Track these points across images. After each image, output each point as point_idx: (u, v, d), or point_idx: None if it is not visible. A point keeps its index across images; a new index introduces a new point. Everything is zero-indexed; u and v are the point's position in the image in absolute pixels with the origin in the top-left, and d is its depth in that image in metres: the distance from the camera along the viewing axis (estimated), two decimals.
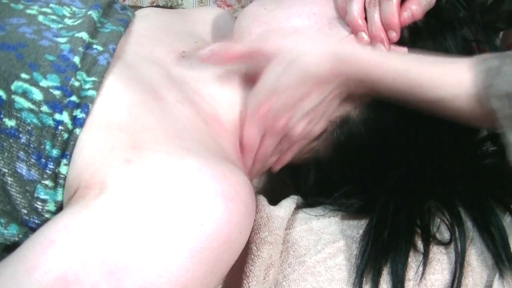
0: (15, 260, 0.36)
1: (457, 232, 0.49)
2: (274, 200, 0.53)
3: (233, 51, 0.50)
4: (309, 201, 0.56)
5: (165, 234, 0.37)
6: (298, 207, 0.54)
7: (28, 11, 0.48)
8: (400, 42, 0.51)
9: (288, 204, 0.52)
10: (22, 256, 0.36)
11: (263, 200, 0.51)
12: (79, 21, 0.48)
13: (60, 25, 0.47)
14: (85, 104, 0.41)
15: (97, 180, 0.39)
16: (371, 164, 0.54)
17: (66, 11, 0.50)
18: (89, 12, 0.49)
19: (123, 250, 0.36)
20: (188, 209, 0.38)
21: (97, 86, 0.43)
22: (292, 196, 0.55)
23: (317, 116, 0.51)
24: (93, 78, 0.43)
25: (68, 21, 0.49)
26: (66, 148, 0.40)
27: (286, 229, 0.50)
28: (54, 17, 0.48)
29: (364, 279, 0.47)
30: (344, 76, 0.47)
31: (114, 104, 0.43)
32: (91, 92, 0.42)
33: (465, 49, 0.53)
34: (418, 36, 0.52)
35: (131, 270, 0.35)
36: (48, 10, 0.49)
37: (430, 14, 0.52)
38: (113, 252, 0.36)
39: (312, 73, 0.47)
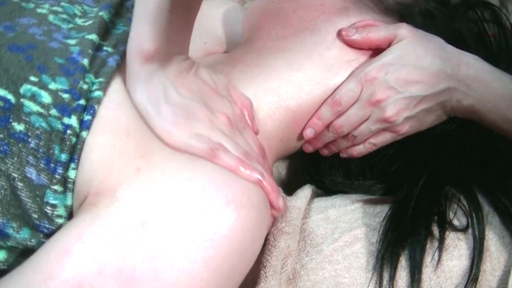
0: (30, 269, 0.36)
1: (475, 218, 0.49)
2: (288, 189, 0.53)
3: None
4: (327, 182, 0.57)
5: (178, 243, 0.37)
6: (314, 196, 0.54)
7: (39, 10, 0.47)
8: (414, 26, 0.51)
9: (304, 194, 0.52)
10: (37, 264, 0.36)
11: (279, 190, 0.51)
12: (90, 22, 0.48)
13: (70, 25, 0.47)
14: (91, 106, 0.41)
15: (107, 188, 0.39)
16: (391, 149, 0.54)
17: (77, 10, 0.50)
18: (101, 13, 0.48)
19: (138, 260, 0.36)
20: (200, 218, 0.38)
21: (104, 87, 0.42)
22: (307, 185, 0.55)
23: (420, 116, 0.51)
24: (100, 79, 0.43)
25: (79, 21, 0.48)
26: (74, 152, 0.40)
27: (302, 219, 0.51)
28: (64, 16, 0.48)
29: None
30: (464, 87, 0.48)
31: (120, 106, 0.42)
32: (97, 93, 0.42)
33: (478, 31, 0.53)
34: (430, 20, 0.52)
35: (146, 280, 0.36)
36: (59, 9, 0.49)
37: None
38: (128, 263, 0.36)
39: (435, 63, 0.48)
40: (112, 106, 0.42)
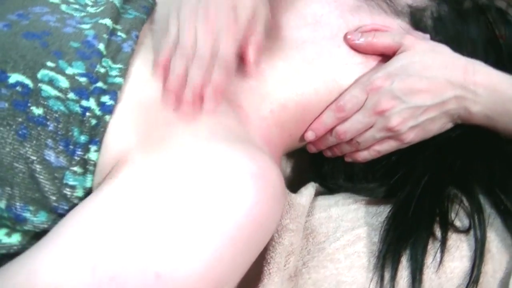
0: (48, 246, 0.37)
1: (476, 219, 0.49)
2: (293, 187, 0.53)
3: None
4: (329, 184, 0.57)
5: (195, 214, 0.37)
6: (317, 194, 0.54)
7: (51, 0, 0.48)
8: (423, 31, 0.51)
9: (309, 192, 0.52)
10: (55, 243, 0.37)
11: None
12: (101, 8, 0.48)
13: (82, 14, 0.47)
14: (113, 91, 0.42)
15: (128, 159, 0.39)
16: (394, 155, 0.54)
17: (88, 0, 0.50)
18: None
19: (154, 229, 0.36)
20: (218, 190, 0.38)
21: (124, 73, 0.43)
22: (311, 183, 0.55)
23: (425, 125, 0.50)
24: (119, 65, 0.44)
25: (91, 10, 0.49)
26: (96, 135, 0.40)
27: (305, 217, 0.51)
28: (76, 6, 0.48)
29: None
30: (471, 94, 0.48)
31: (142, 91, 0.43)
32: (118, 80, 0.43)
33: (489, 34, 0.53)
34: (441, 24, 0.52)
35: (162, 249, 0.36)
36: None
37: (452, 2, 0.52)
38: (144, 231, 0.36)
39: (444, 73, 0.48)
40: (134, 91, 0.43)
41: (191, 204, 0.37)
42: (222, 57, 0.43)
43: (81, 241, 0.36)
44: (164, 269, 0.36)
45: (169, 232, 0.36)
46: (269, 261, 0.46)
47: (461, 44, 0.52)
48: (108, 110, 0.41)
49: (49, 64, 0.41)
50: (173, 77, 0.42)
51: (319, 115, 0.52)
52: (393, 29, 0.52)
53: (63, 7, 0.47)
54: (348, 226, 0.50)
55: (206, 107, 0.43)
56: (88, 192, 0.41)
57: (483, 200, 0.51)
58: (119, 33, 0.46)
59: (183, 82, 0.43)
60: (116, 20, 0.47)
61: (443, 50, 0.50)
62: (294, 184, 0.55)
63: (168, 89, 0.43)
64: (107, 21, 0.46)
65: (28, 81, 0.40)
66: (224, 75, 0.43)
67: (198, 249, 0.36)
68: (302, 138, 0.54)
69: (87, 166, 0.40)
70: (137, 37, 0.47)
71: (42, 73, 0.40)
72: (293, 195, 0.50)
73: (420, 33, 0.51)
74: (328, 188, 0.57)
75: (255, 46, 0.46)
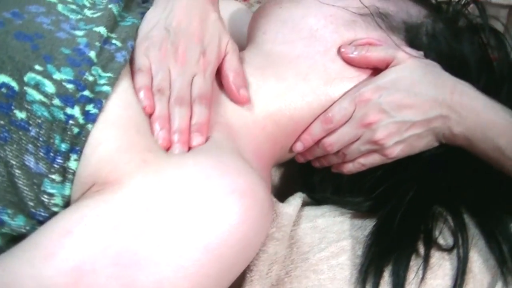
0: (31, 246, 0.36)
1: (460, 238, 0.49)
2: (280, 196, 0.53)
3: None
4: (316, 197, 0.57)
5: (181, 230, 0.37)
6: (304, 205, 0.54)
7: None
8: (418, 47, 0.51)
9: (296, 201, 0.52)
10: (38, 243, 0.36)
11: (271, 196, 0.51)
12: (98, 14, 0.47)
13: (79, 16, 0.47)
14: (98, 99, 0.41)
15: (114, 178, 0.39)
16: (380, 170, 0.54)
17: (86, 1, 0.49)
18: (110, 6, 0.48)
19: (139, 244, 0.36)
20: (204, 206, 0.38)
21: (113, 83, 0.42)
22: (299, 193, 0.55)
23: (411, 141, 0.51)
24: (109, 74, 0.43)
25: (88, 12, 0.48)
26: (77, 144, 0.39)
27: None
28: (73, 6, 0.48)
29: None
30: (455, 114, 0.48)
31: (131, 105, 0.42)
32: (106, 88, 0.42)
33: (482, 54, 0.54)
34: (435, 41, 0.52)
35: (147, 264, 0.36)
36: None
37: (448, 20, 0.52)
38: (129, 246, 0.36)
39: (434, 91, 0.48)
40: (123, 104, 0.42)
41: (177, 222, 0.37)
42: (199, 94, 0.45)
43: (66, 250, 0.36)
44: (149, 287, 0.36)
45: (154, 249, 0.36)
46: (251, 268, 0.45)
47: (454, 61, 0.52)
48: (91, 119, 0.40)
49: (37, 67, 0.40)
50: (158, 121, 0.43)
51: (307, 126, 0.52)
52: (387, 44, 0.52)
53: (60, 7, 0.47)
54: (333, 238, 0.50)
55: (195, 143, 0.43)
56: (67, 200, 0.40)
57: (467, 219, 0.51)
58: (114, 41, 0.45)
59: (168, 123, 0.43)
60: (111, 28, 0.46)
61: (434, 69, 0.50)
62: (282, 193, 0.55)
63: (156, 135, 0.43)
64: (101, 29, 0.45)
65: (14, 83, 0.39)
66: (205, 110, 0.45)
67: (184, 266, 0.36)
68: (291, 149, 0.54)
69: (66, 175, 0.39)
70: (132, 47, 0.46)
71: (29, 76, 0.39)
72: (280, 204, 0.50)
73: (414, 50, 0.51)
74: (315, 200, 0.57)
75: (233, 74, 0.48)
